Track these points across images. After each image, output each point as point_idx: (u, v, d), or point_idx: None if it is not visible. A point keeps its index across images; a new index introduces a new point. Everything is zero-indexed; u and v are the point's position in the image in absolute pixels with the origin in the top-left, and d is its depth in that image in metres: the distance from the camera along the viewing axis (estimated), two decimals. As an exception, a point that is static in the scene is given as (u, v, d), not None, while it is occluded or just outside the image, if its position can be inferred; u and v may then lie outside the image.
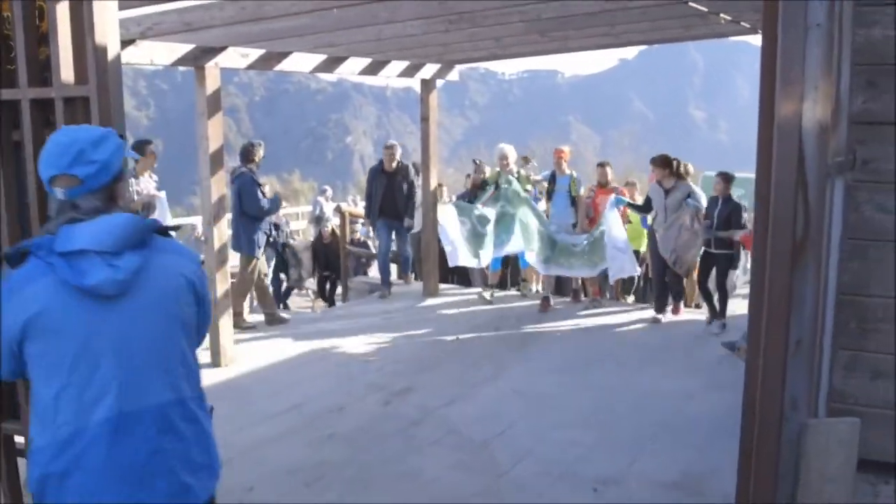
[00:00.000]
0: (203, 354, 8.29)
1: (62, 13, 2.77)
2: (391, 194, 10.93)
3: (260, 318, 10.26)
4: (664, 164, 9.23)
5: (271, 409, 6.83)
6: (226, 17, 6.50)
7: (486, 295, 10.73)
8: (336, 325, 9.79)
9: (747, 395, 2.29)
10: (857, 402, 2.72)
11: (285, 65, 8.82)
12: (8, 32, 2.89)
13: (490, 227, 10.07)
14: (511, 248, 10.21)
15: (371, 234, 13.31)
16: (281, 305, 12.97)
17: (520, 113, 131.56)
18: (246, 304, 10.61)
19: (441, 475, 5.51)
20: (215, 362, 8.12)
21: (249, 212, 9.31)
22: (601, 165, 10.80)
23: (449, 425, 6.40)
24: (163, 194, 8.34)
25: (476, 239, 10.09)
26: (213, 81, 7.92)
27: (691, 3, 6.51)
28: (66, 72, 2.80)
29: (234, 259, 11.22)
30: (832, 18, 2.16)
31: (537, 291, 11.47)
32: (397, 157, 11.14)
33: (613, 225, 9.57)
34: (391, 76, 10.74)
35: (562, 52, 10.37)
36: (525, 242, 10.07)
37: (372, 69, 10.23)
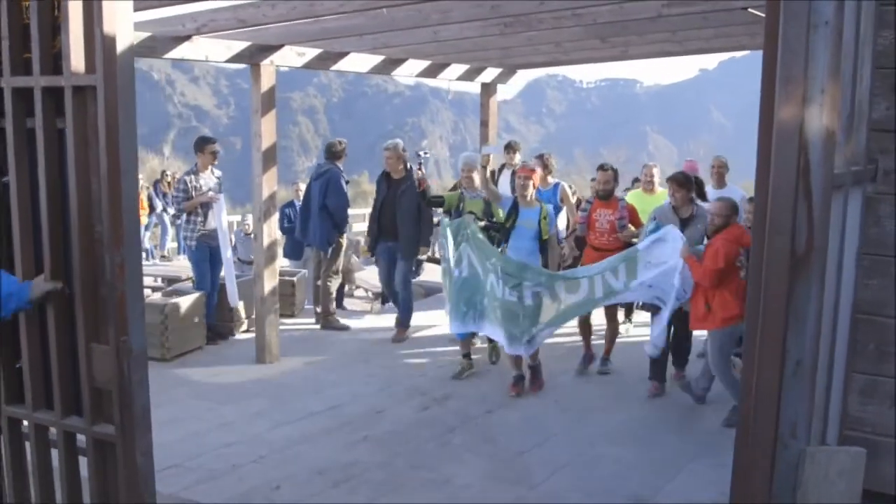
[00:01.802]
0: (249, 350, 8.35)
1: (74, 2, 2.78)
2: (391, 209, 8.73)
3: (348, 320, 10.12)
4: (684, 184, 6.97)
5: (309, 408, 6.82)
6: (278, 15, 6.54)
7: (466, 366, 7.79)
8: (385, 327, 9.72)
9: (741, 418, 2.16)
10: (875, 431, 2.57)
11: (342, 65, 8.85)
12: (27, 22, 2.91)
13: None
14: (488, 329, 7.22)
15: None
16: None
17: (597, 121, 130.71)
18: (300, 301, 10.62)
19: (472, 483, 5.43)
20: (260, 359, 8.17)
21: (333, 204, 9.23)
22: (602, 169, 7.84)
23: (486, 434, 6.31)
24: (221, 197, 8.63)
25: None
26: (268, 79, 7.99)
27: (751, 10, 6.31)
28: (77, 61, 2.82)
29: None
30: (842, 16, 2.03)
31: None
32: (397, 159, 8.79)
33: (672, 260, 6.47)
34: (451, 79, 10.70)
35: (624, 58, 10.20)
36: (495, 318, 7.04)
37: (431, 71, 10.22)
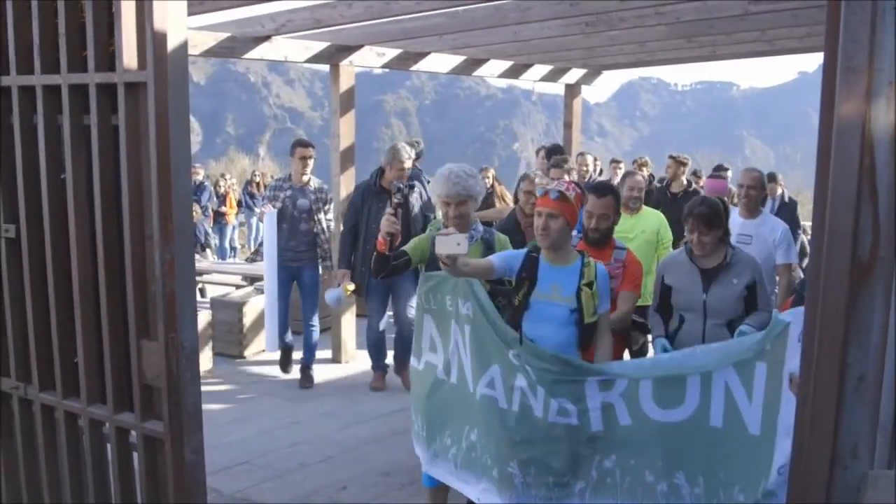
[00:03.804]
0: (324, 351, 8.37)
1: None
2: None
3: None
4: (714, 223, 4.40)
5: (380, 409, 6.81)
6: (354, 15, 6.56)
7: None
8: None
9: (797, 436, 2.02)
10: (952, 453, 2.37)
11: (423, 65, 8.84)
12: (83, 20, 2.93)
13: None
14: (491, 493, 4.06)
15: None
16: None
17: (691, 125, 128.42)
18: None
19: (538, 490, 5.31)
20: (335, 358, 8.22)
21: None
22: (597, 193, 4.70)
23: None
24: (272, 212, 7.23)
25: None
26: (347, 79, 8.03)
27: (842, 7, 6.03)
28: (129, 58, 2.82)
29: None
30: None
31: None
32: (408, 166, 6.99)
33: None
34: (535, 80, 10.59)
35: (713, 59, 9.91)
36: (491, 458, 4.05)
37: (514, 72, 10.13)
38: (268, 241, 7.28)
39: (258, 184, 17.67)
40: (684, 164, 8.62)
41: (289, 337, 7.64)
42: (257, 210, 17.14)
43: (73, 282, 3.05)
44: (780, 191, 9.59)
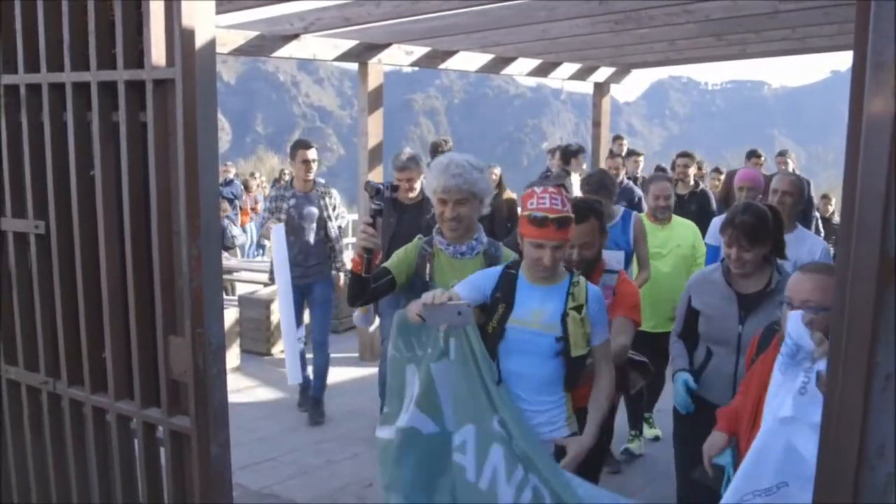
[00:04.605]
0: (352, 347, 8.40)
1: (155, -3, 2.81)
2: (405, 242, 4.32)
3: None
4: (760, 236, 3.59)
5: (407, 406, 6.79)
6: (382, 13, 6.58)
7: None
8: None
9: (824, 436, 1.99)
10: None
11: (451, 63, 8.84)
12: (113, 18, 2.95)
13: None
14: None
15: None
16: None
17: (721, 124, 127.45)
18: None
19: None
20: (362, 356, 8.23)
21: None
22: (579, 216, 3.50)
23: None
24: (278, 227, 6.24)
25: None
26: (375, 78, 8.06)
27: (875, 4, 5.95)
28: (158, 55, 2.84)
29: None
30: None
31: None
32: (419, 181, 5.93)
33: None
34: (563, 78, 10.56)
35: (743, 57, 9.85)
36: None
37: (542, 70, 10.11)
38: (279, 262, 6.12)
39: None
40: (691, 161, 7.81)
41: (308, 371, 6.86)
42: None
43: (101, 278, 3.08)
44: (791, 167, 9.33)
